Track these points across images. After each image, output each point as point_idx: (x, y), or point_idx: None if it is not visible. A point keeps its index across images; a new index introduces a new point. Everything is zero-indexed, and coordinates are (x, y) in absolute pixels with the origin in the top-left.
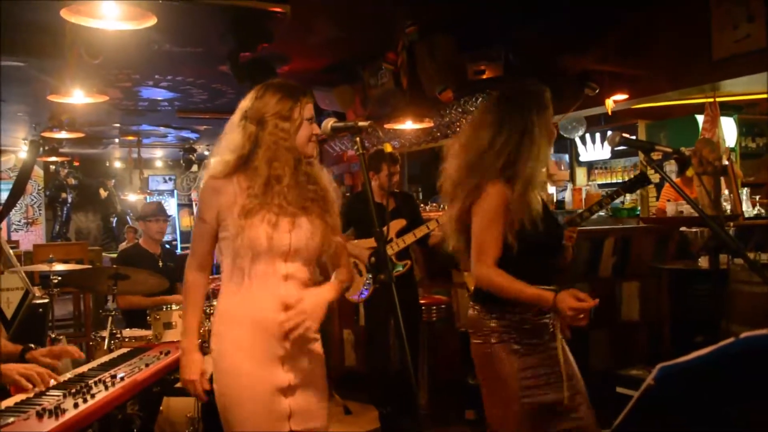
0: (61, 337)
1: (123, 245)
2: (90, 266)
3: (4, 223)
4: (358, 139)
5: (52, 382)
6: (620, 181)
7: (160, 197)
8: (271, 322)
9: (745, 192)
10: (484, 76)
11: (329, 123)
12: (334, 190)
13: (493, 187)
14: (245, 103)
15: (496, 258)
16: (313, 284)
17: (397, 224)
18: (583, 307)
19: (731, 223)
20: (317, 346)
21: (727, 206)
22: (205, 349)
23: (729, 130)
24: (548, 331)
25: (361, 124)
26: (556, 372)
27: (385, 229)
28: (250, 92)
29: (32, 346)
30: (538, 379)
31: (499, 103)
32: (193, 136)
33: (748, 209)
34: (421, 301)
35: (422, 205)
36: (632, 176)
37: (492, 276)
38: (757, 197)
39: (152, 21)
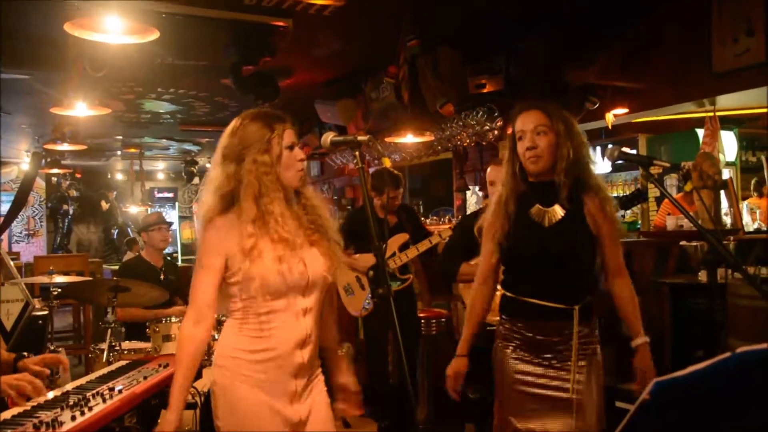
0: (60, 349)
1: (128, 255)
2: (90, 278)
3: (6, 235)
4: (357, 153)
5: (51, 395)
6: (620, 195)
7: (161, 209)
8: (288, 360)
9: (745, 206)
10: (485, 90)
11: (329, 137)
12: (329, 214)
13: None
14: (223, 141)
15: (482, 270)
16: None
17: (399, 239)
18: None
19: (731, 238)
20: (321, 378)
21: (728, 220)
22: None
23: (730, 144)
24: (554, 350)
25: (360, 138)
26: (556, 392)
27: (384, 244)
28: (227, 128)
29: (25, 354)
30: (534, 394)
31: None
32: (195, 148)
33: (748, 223)
34: (421, 315)
35: (423, 218)
36: (630, 191)
37: (473, 289)
38: (758, 211)
39: (155, 35)
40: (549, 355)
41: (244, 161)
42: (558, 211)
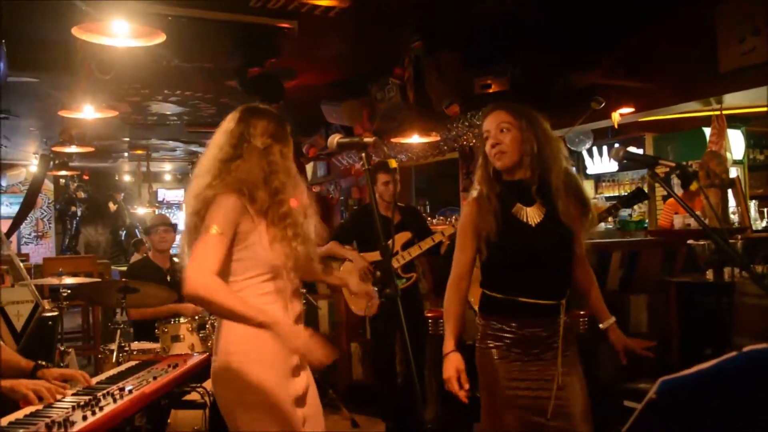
0: (70, 350)
1: (136, 256)
2: (99, 279)
3: (15, 237)
4: (363, 154)
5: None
6: (622, 194)
7: (168, 210)
8: None
9: (753, 205)
10: (491, 90)
11: (335, 139)
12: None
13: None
14: (234, 126)
15: (461, 269)
16: None
17: (402, 237)
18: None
19: (739, 236)
20: None
21: (735, 219)
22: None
23: (737, 142)
24: (543, 344)
25: (366, 140)
26: (546, 383)
27: (390, 242)
28: (232, 116)
29: (44, 363)
30: (525, 390)
31: None
32: (201, 150)
33: (756, 221)
34: (428, 315)
35: (429, 218)
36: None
37: (450, 287)
38: (765, 209)
39: (161, 38)
40: (537, 350)
41: (265, 150)
42: (538, 210)
